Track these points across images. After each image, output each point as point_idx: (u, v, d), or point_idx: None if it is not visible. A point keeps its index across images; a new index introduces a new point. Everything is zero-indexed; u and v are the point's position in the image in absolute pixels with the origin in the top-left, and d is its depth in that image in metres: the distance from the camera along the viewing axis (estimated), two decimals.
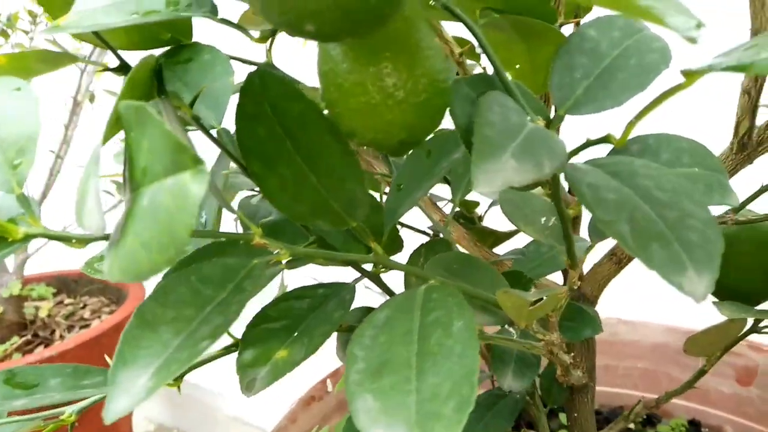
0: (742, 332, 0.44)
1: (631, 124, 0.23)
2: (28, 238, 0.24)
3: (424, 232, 0.52)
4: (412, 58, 0.23)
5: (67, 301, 1.32)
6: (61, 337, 1.23)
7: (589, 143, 0.25)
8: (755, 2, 0.31)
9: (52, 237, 0.25)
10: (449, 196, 0.47)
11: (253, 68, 0.27)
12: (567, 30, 0.35)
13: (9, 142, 0.25)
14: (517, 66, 0.32)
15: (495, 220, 0.51)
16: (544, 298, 0.27)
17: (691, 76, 0.15)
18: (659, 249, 0.21)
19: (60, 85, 1.20)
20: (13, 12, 1.21)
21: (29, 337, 1.21)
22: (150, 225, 0.19)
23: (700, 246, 0.22)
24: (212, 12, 0.27)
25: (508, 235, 0.49)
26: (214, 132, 0.34)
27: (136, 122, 0.19)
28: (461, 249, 0.50)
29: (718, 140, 0.39)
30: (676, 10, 0.15)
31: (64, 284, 1.34)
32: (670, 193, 0.23)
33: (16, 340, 1.18)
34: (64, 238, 0.25)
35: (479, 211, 0.53)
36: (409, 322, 0.25)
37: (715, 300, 0.41)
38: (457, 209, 0.47)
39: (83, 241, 0.25)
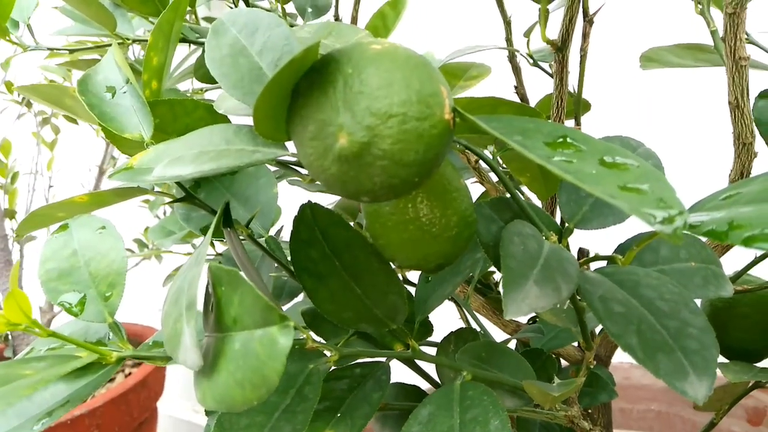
0: (747, 388, 0.47)
1: (632, 251, 0.27)
2: (120, 361, 0.29)
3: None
4: (444, 200, 0.27)
5: None
6: None
7: (597, 257, 0.30)
8: (735, 111, 0.35)
9: (141, 358, 0.29)
10: None
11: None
12: None
13: (100, 277, 0.29)
14: (528, 174, 0.36)
15: None
16: (566, 387, 0.31)
17: (674, 238, 0.19)
18: (664, 358, 0.25)
19: (85, 153, 1.26)
20: (35, 83, 1.27)
21: None
22: (243, 367, 0.23)
23: (699, 352, 0.26)
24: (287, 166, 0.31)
25: None
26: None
27: (228, 281, 0.23)
28: (479, 316, 0.54)
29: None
30: (655, 198, 0.19)
31: None
32: (670, 303, 0.27)
33: None
34: (153, 359, 0.29)
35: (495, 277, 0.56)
36: (450, 419, 0.29)
37: (720, 362, 0.44)
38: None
39: (165, 360, 0.29)
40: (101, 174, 1.09)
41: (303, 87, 0.23)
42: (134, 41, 0.54)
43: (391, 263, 0.31)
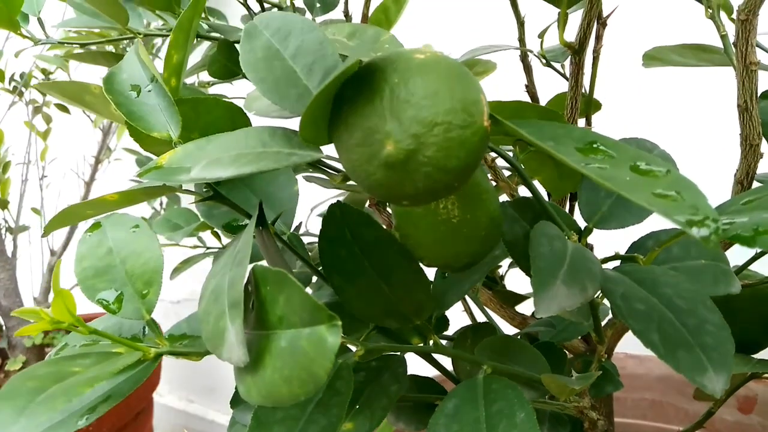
0: (744, 378, 0.49)
1: (654, 252, 0.28)
2: (158, 357, 0.29)
3: None
4: (474, 202, 0.28)
5: None
6: None
7: (617, 257, 0.31)
8: (744, 114, 0.37)
9: (177, 353, 0.30)
10: None
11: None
12: None
13: (137, 275, 0.30)
14: (544, 173, 0.37)
15: (515, 281, 0.56)
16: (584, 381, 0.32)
17: (708, 242, 0.20)
18: (684, 354, 0.27)
19: (78, 142, 1.25)
20: (27, 71, 1.26)
21: None
22: (290, 364, 0.24)
23: (716, 348, 0.27)
24: (312, 164, 0.32)
25: (527, 297, 0.54)
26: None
27: (273, 281, 0.24)
28: (489, 311, 0.55)
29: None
30: (689, 205, 0.20)
31: None
32: (688, 300, 0.29)
33: None
34: (187, 354, 0.30)
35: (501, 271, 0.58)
36: (476, 411, 0.30)
37: None
38: None
39: (201, 356, 0.30)
40: (97, 164, 1.08)
41: (347, 95, 0.24)
42: (145, 35, 0.54)
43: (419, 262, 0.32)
